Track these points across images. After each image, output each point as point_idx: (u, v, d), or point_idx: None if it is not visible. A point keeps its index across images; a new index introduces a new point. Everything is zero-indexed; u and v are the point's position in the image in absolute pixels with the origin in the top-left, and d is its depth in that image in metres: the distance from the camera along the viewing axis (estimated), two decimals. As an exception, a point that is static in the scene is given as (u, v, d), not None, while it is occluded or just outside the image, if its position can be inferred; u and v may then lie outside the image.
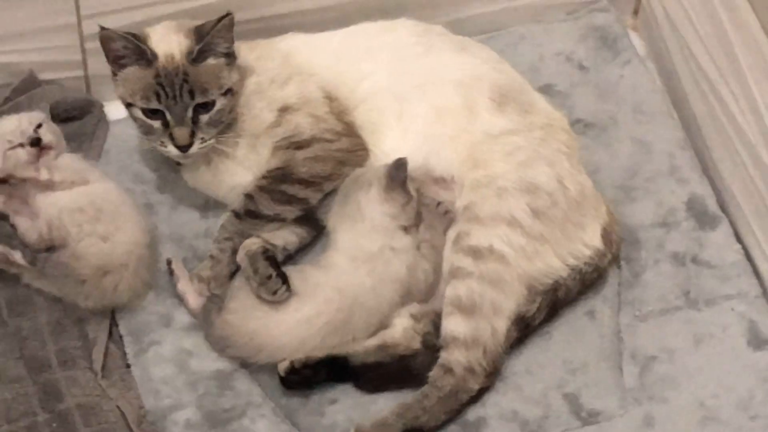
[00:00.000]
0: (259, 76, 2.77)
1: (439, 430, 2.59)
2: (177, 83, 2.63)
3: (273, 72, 2.78)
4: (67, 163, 2.79)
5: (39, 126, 2.78)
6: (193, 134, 2.65)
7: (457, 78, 2.77)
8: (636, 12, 3.26)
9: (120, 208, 2.76)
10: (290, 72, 2.78)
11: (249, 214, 2.72)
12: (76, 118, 2.96)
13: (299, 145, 2.73)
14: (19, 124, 2.78)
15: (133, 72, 2.66)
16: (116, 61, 2.67)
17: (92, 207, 2.73)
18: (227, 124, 2.71)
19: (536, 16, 3.20)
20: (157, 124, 2.66)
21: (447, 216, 2.70)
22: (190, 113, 2.64)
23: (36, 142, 2.75)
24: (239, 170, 2.77)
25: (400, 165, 2.65)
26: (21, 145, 2.76)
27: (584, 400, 2.62)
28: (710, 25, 2.86)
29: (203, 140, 2.67)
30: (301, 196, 2.72)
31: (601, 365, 2.66)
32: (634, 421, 2.60)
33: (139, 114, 2.67)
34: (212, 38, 2.64)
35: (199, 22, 2.69)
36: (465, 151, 2.70)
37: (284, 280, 2.62)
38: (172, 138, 2.66)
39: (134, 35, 2.65)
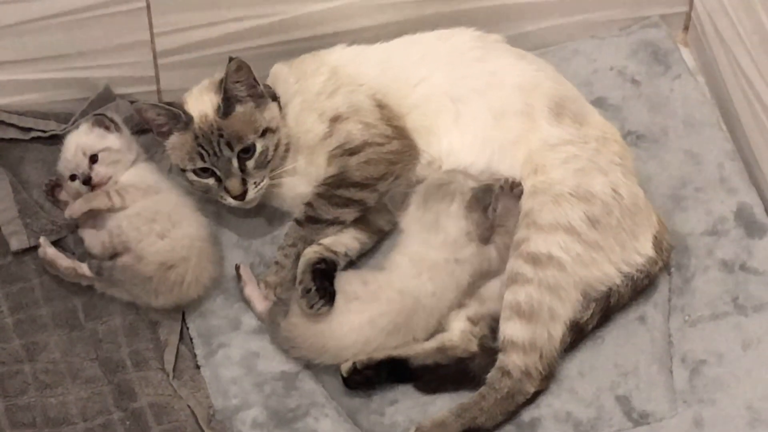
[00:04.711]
0: (304, 94, 2.80)
1: (496, 430, 2.63)
2: (214, 140, 2.68)
3: (319, 86, 2.81)
4: (137, 182, 2.81)
5: (95, 158, 2.80)
6: (244, 182, 2.70)
7: (516, 83, 2.79)
8: (686, 27, 3.26)
9: (176, 207, 2.80)
10: (339, 83, 2.81)
11: (309, 220, 2.77)
12: (148, 130, 2.95)
13: (352, 152, 2.77)
14: (74, 154, 2.80)
15: (176, 138, 2.73)
16: (159, 131, 2.74)
17: (148, 210, 2.77)
18: (280, 159, 2.76)
19: (590, 31, 3.21)
20: (211, 181, 2.73)
21: (521, 196, 2.69)
22: (235, 163, 2.69)
23: (87, 180, 2.79)
24: (301, 183, 2.81)
25: (488, 189, 2.68)
26: (76, 177, 2.80)
27: (635, 402, 2.66)
28: (759, 40, 2.88)
29: (256, 184, 2.72)
30: (357, 198, 2.76)
31: (651, 368, 2.69)
32: (684, 422, 2.63)
33: (193, 176, 2.73)
34: (228, 87, 2.69)
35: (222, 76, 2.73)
36: (523, 156, 2.73)
37: (324, 295, 2.65)
38: (227, 191, 2.72)
39: (169, 103, 2.72)
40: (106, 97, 3.02)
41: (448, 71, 2.82)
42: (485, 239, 2.69)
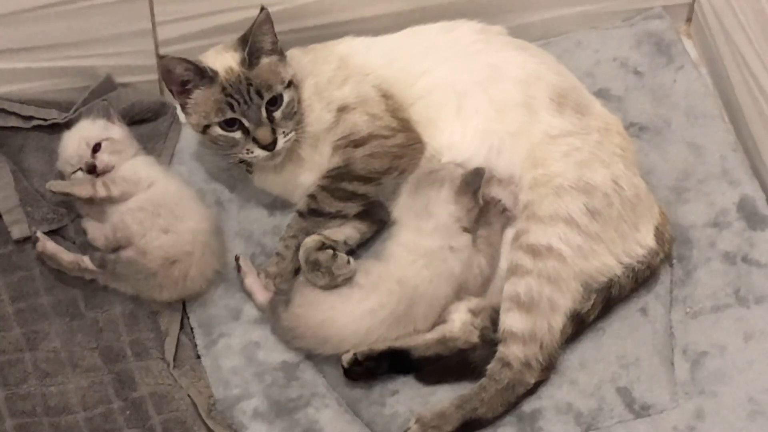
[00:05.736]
0: (316, 77, 2.82)
1: (496, 421, 2.63)
2: (243, 89, 2.69)
3: (330, 74, 2.82)
4: (127, 174, 2.80)
5: (97, 147, 2.80)
6: (273, 131, 2.70)
7: (518, 75, 2.79)
8: (689, 19, 3.27)
9: (179, 200, 2.79)
10: (347, 73, 2.82)
11: (312, 213, 2.77)
12: (150, 119, 3.01)
13: (357, 143, 2.77)
14: (78, 146, 2.80)
15: (200, 94, 2.72)
16: (182, 89, 2.73)
17: (151, 204, 2.76)
18: (298, 120, 2.76)
19: (593, 22, 3.22)
20: (238, 134, 2.71)
21: (504, 214, 2.73)
22: (264, 113, 2.69)
23: (92, 169, 2.79)
24: (304, 171, 2.82)
25: (477, 173, 2.69)
26: (80, 168, 2.80)
27: (637, 393, 2.66)
28: (761, 32, 2.88)
29: (285, 134, 2.72)
30: (361, 192, 2.77)
31: (653, 360, 2.69)
32: (685, 414, 2.63)
33: (219, 131, 2.72)
34: (256, 38, 2.70)
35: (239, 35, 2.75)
36: (525, 150, 2.73)
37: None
38: (256, 141, 2.71)
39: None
40: (107, 86, 3.02)
41: (451, 64, 2.82)
42: (476, 226, 2.70)
